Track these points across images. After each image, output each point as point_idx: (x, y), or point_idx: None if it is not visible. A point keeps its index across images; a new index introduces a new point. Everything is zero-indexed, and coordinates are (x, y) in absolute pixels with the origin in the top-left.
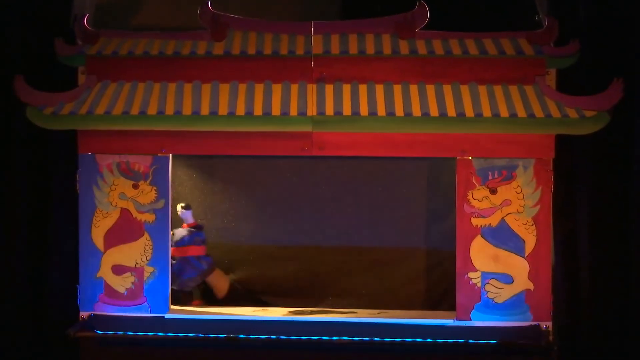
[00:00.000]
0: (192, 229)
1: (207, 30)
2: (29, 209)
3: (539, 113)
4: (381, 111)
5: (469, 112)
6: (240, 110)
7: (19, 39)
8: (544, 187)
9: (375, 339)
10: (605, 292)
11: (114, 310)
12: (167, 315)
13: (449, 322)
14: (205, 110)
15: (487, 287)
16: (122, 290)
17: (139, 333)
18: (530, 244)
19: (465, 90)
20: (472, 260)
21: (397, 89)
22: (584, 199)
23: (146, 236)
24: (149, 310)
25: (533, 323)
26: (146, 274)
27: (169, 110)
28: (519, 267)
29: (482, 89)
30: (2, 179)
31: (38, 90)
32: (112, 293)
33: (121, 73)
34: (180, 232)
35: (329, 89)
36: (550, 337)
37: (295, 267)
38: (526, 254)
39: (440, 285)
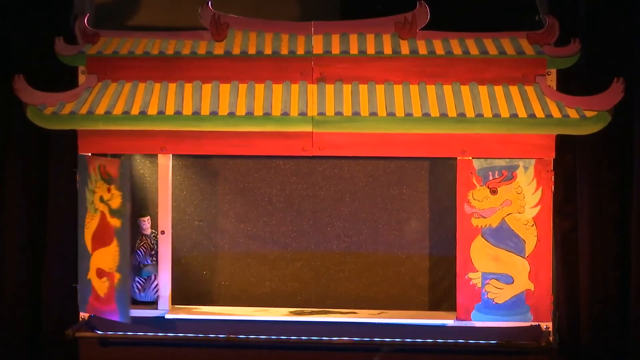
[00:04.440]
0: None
1: (207, 30)
2: (29, 208)
3: (539, 113)
4: (381, 111)
5: (470, 113)
6: (241, 110)
7: (19, 39)
8: (545, 188)
9: (375, 339)
10: (605, 292)
11: (96, 313)
12: (167, 315)
13: (449, 322)
14: (205, 110)
15: (487, 288)
16: (102, 294)
17: (139, 333)
18: (530, 244)
19: (465, 90)
20: (473, 261)
21: (398, 89)
22: (584, 199)
23: (115, 242)
24: (117, 317)
25: (533, 323)
26: (115, 280)
27: (170, 110)
28: (519, 267)
29: (483, 89)
30: (1, 178)
31: (38, 90)
32: (97, 296)
33: (121, 73)
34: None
35: (330, 89)
36: (550, 337)
37: (295, 268)
38: (526, 254)
39: (440, 286)
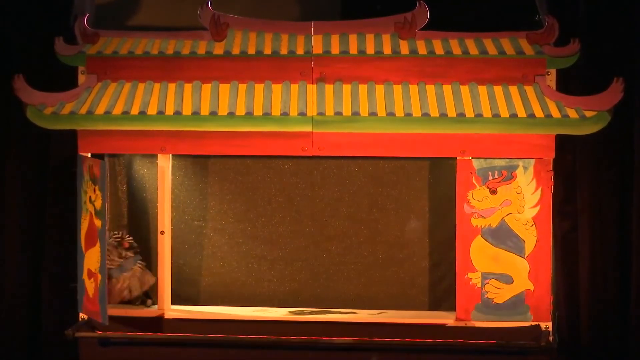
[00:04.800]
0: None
1: (207, 30)
2: (29, 208)
3: (539, 113)
4: (381, 111)
5: (469, 113)
6: (240, 110)
7: (19, 39)
8: (544, 188)
9: (375, 339)
10: (605, 292)
11: (88, 314)
12: (167, 315)
13: (449, 322)
14: (205, 110)
15: (487, 288)
16: (91, 294)
17: (139, 333)
18: (530, 244)
19: (465, 90)
20: (472, 261)
21: (397, 89)
22: (584, 199)
23: (98, 242)
24: (99, 319)
25: (533, 323)
26: (98, 281)
27: (169, 110)
28: (518, 267)
29: (482, 89)
30: (1, 178)
31: (38, 90)
32: (88, 296)
33: (121, 73)
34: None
35: (329, 89)
36: (550, 337)
37: (295, 268)
38: (526, 254)
39: (440, 286)
